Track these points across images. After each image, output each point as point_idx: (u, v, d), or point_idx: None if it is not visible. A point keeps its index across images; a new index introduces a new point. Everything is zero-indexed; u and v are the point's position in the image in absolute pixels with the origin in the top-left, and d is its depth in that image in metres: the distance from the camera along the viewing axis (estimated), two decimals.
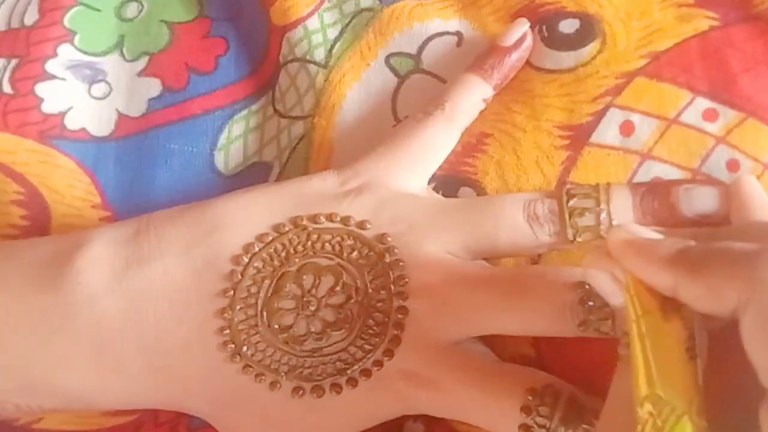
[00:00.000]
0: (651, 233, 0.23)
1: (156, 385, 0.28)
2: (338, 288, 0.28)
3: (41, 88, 0.34)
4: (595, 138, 0.29)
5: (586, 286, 0.25)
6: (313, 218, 0.28)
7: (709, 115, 0.29)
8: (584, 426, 0.25)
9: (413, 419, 0.29)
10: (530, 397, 0.26)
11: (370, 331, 0.27)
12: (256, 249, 0.28)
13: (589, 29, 0.30)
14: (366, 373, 0.27)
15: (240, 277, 0.28)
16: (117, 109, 0.34)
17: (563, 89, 0.30)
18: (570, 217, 0.27)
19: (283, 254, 0.28)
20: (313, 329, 0.27)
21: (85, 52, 0.35)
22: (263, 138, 0.34)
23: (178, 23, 0.35)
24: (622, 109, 0.29)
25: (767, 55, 0.29)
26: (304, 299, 0.28)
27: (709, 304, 0.20)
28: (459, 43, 0.32)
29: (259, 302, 0.28)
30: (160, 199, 0.33)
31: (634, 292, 0.22)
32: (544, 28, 0.31)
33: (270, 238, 0.28)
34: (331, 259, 0.28)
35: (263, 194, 0.30)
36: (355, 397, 0.27)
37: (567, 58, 0.30)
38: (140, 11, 0.36)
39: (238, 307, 0.28)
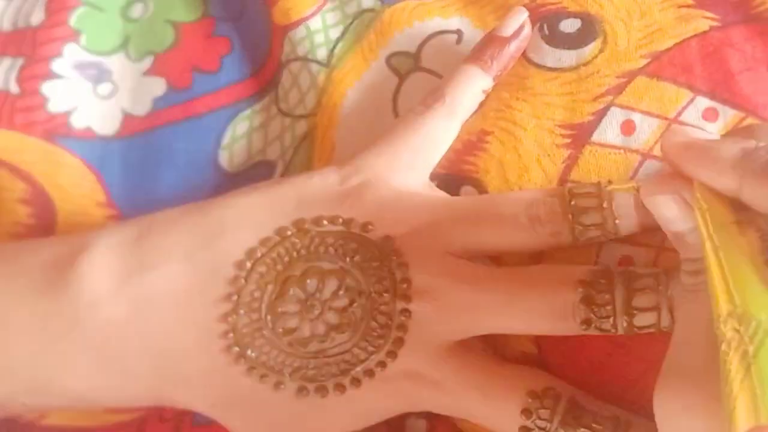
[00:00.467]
0: (708, 135, 0.22)
1: (161, 386, 0.28)
2: (342, 291, 0.28)
3: (47, 88, 0.34)
4: (596, 137, 0.29)
5: (588, 285, 0.26)
6: (316, 221, 0.28)
7: (710, 115, 0.29)
8: (584, 429, 0.25)
9: (416, 415, 0.29)
10: (530, 400, 0.26)
11: (374, 333, 0.27)
12: (259, 254, 0.28)
13: (590, 29, 0.30)
14: (369, 373, 0.27)
15: (244, 282, 0.28)
16: (122, 109, 0.34)
17: (564, 88, 0.30)
18: (572, 216, 0.27)
19: (287, 258, 0.28)
20: (317, 332, 0.28)
21: (91, 52, 0.35)
22: (267, 136, 0.34)
23: (183, 23, 0.35)
24: (623, 108, 0.29)
25: (767, 55, 0.29)
26: (308, 303, 0.28)
27: None
28: (459, 41, 0.32)
29: (263, 306, 0.28)
30: (165, 197, 0.33)
31: (705, 207, 0.21)
32: (545, 26, 0.31)
33: (273, 242, 0.28)
34: (334, 262, 0.28)
35: (264, 196, 0.29)
36: (358, 396, 0.27)
37: (568, 57, 0.30)
38: (146, 11, 0.36)
39: (242, 311, 0.28)
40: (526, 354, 0.28)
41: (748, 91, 0.28)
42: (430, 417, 0.29)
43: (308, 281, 0.28)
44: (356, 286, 0.28)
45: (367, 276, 0.28)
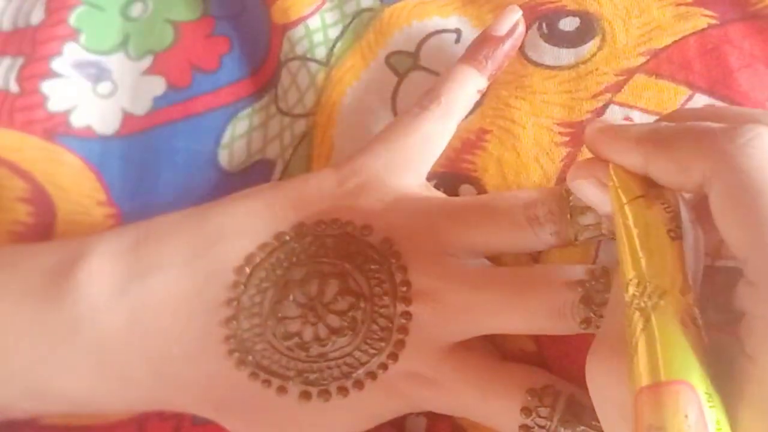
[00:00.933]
0: (624, 122, 0.24)
1: (162, 392, 0.28)
2: (342, 294, 0.28)
3: (47, 87, 0.34)
4: None
5: (587, 284, 0.25)
6: (315, 225, 0.28)
7: None
8: (583, 427, 0.25)
9: (416, 414, 0.29)
10: (530, 398, 0.26)
11: (375, 336, 0.27)
12: (258, 260, 0.28)
13: (589, 27, 0.30)
14: (371, 375, 0.27)
15: (243, 287, 0.28)
16: (122, 108, 0.34)
17: (563, 86, 0.30)
18: (571, 215, 0.27)
19: (286, 263, 0.28)
20: (318, 336, 0.28)
21: (90, 51, 0.35)
22: (267, 136, 0.34)
23: (183, 22, 0.36)
24: (621, 106, 0.29)
25: (765, 52, 0.29)
26: (309, 306, 0.28)
27: (677, 178, 0.21)
28: (458, 40, 0.32)
29: (264, 311, 0.28)
30: (164, 196, 0.33)
31: (617, 183, 0.22)
32: (544, 25, 0.31)
33: (272, 247, 0.28)
34: (334, 265, 0.28)
35: (262, 199, 0.29)
36: (361, 398, 0.27)
37: (567, 55, 0.30)
38: (145, 10, 0.36)
39: (242, 316, 0.28)
40: (526, 352, 0.28)
41: (746, 88, 0.28)
42: (430, 415, 0.29)
43: (308, 285, 0.28)
44: (356, 289, 0.28)
45: (367, 279, 0.28)
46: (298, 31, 0.33)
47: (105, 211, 0.33)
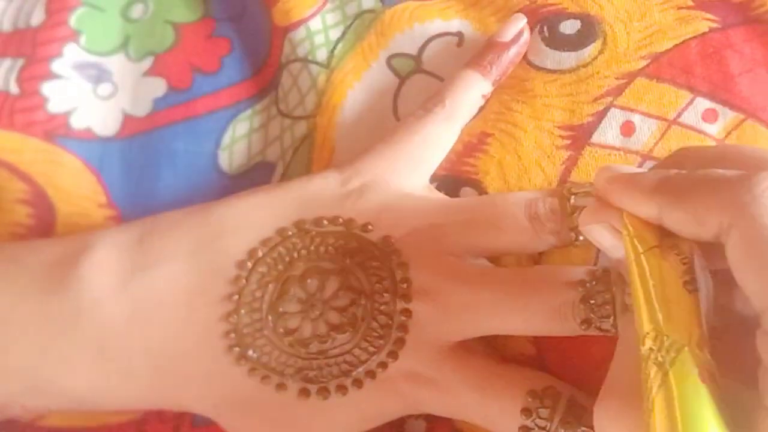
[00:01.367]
0: (635, 169, 0.23)
1: (161, 387, 0.28)
2: (342, 291, 0.28)
3: (47, 88, 0.34)
4: (596, 138, 0.29)
5: (587, 284, 0.26)
6: (317, 222, 0.29)
7: (709, 116, 0.29)
8: (584, 428, 0.25)
9: (415, 416, 0.29)
10: (530, 399, 0.26)
11: (375, 334, 0.27)
12: (260, 254, 0.28)
13: (590, 30, 0.30)
14: (371, 374, 0.27)
15: (245, 282, 0.28)
16: (122, 109, 0.34)
17: (564, 89, 0.30)
18: (571, 215, 0.27)
19: (287, 258, 0.28)
20: (318, 332, 0.28)
21: (91, 52, 0.35)
22: (267, 138, 0.34)
23: (183, 24, 0.35)
24: (622, 110, 0.29)
25: (766, 56, 0.29)
26: (309, 302, 0.28)
27: (692, 229, 0.21)
28: (460, 44, 0.32)
29: (265, 306, 0.28)
30: (164, 198, 0.33)
31: (632, 232, 0.22)
32: (545, 28, 0.31)
33: (274, 242, 0.29)
34: (335, 262, 0.28)
35: (266, 197, 0.30)
36: (360, 397, 0.27)
37: (568, 59, 0.30)
38: (146, 12, 0.36)
39: (243, 311, 0.28)
40: (526, 356, 0.28)
41: (747, 92, 0.29)
42: (429, 418, 0.29)
43: (309, 281, 0.28)
44: (357, 286, 0.28)
45: (367, 276, 0.28)
46: (300, 33, 0.33)
47: (105, 213, 0.33)
